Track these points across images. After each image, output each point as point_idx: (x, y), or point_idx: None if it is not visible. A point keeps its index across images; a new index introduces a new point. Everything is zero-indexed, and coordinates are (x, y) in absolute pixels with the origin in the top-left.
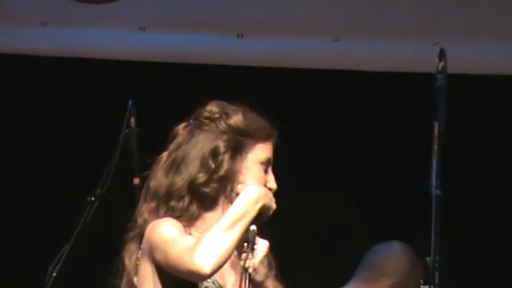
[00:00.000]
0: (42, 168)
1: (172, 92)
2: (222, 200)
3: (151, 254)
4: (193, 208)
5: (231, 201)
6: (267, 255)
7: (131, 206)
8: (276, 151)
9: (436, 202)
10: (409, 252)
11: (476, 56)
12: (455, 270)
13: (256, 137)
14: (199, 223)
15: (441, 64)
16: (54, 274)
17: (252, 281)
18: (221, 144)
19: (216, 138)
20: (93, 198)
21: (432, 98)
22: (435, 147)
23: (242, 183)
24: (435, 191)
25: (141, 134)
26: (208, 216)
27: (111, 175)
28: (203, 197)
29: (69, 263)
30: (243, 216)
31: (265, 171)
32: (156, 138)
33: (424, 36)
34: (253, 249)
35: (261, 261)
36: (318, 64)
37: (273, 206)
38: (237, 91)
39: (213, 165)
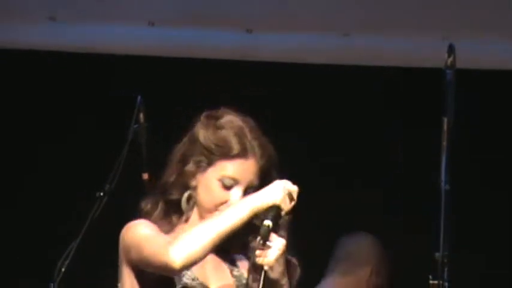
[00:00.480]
0: (49, 164)
1: (181, 88)
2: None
3: (126, 256)
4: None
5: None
6: (283, 254)
7: (140, 201)
8: (285, 149)
9: (446, 197)
10: (377, 241)
11: (486, 51)
12: (461, 265)
13: (219, 154)
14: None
15: (450, 59)
16: (63, 270)
17: (266, 278)
18: (188, 153)
19: (189, 146)
20: (102, 194)
21: (441, 93)
22: (444, 142)
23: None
24: (444, 186)
25: (150, 129)
26: (180, 225)
27: (120, 170)
28: (170, 202)
29: (78, 259)
30: (228, 217)
31: (227, 188)
32: (164, 134)
33: (433, 31)
34: (265, 245)
35: (277, 259)
36: (327, 59)
37: (286, 206)
38: (245, 86)
39: (178, 172)
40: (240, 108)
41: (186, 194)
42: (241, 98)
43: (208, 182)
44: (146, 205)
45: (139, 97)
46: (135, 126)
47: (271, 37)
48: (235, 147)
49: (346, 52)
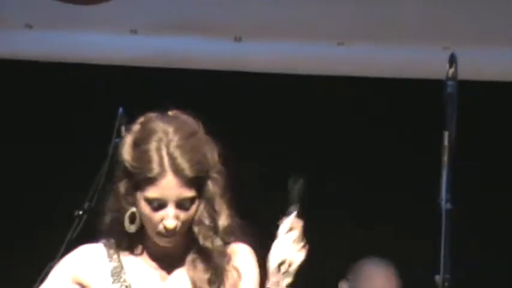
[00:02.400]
0: (24, 179)
1: (165, 99)
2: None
3: None
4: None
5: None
6: None
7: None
8: (277, 157)
9: (447, 216)
10: (390, 266)
11: (488, 61)
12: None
13: (140, 177)
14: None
15: (451, 70)
16: None
17: None
18: (117, 174)
19: (117, 164)
20: (81, 212)
21: (442, 106)
22: (445, 157)
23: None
24: (446, 205)
25: None
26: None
27: (100, 187)
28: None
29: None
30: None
31: (157, 209)
32: None
33: (433, 40)
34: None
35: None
36: (320, 70)
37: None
38: (234, 97)
39: (113, 194)
40: (227, 118)
41: (128, 212)
42: (226, 109)
43: (140, 204)
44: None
45: (120, 109)
46: (117, 140)
47: (261, 46)
48: (154, 169)
49: (341, 62)
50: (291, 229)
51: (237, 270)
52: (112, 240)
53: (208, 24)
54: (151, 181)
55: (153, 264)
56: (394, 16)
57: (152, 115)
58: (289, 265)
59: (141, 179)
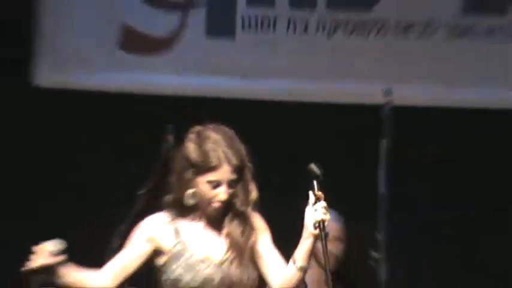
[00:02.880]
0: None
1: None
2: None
3: None
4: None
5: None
6: None
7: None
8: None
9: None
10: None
11: (420, 95)
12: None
13: (204, 167)
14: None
15: (388, 98)
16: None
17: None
18: (182, 167)
19: (182, 160)
20: (142, 192)
21: (379, 130)
22: (383, 160)
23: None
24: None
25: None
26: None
27: (155, 176)
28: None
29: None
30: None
31: (214, 188)
32: None
33: (376, 78)
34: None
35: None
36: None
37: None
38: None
39: (178, 178)
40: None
41: (190, 191)
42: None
43: (200, 186)
44: (165, 200)
45: (169, 126)
46: (166, 145)
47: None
48: (213, 161)
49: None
50: (317, 199)
51: (257, 228)
52: (173, 211)
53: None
54: (212, 169)
55: (202, 225)
56: (348, 60)
57: (200, 127)
58: (322, 223)
59: (204, 168)
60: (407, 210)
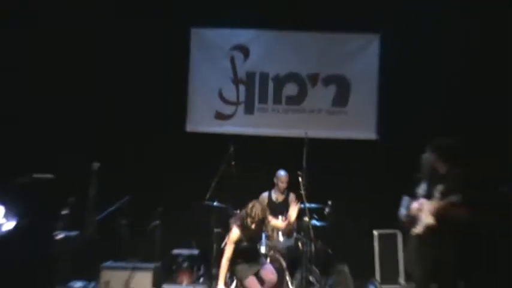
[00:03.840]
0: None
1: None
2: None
3: None
4: None
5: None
6: None
7: None
8: None
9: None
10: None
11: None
12: None
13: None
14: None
15: (306, 138)
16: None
17: None
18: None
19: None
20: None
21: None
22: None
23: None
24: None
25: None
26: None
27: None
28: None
29: None
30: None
31: None
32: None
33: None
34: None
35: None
36: None
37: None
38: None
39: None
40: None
41: None
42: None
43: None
44: None
45: (232, 147)
46: (228, 160)
47: None
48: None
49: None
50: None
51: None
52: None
53: None
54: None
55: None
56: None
57: None
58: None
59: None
60: None
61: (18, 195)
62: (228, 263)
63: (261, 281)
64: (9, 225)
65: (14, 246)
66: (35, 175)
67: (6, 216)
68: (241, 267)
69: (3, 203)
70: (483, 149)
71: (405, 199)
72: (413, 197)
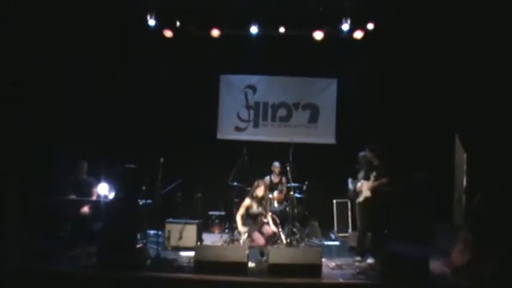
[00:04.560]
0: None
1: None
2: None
3: None
4: None
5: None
6: None
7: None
8: None
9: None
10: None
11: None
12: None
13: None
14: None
15: (291, 149)
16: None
17: None
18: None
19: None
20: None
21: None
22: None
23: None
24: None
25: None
26: None
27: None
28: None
29: None
30: None
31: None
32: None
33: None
34: None
35: None
36: None
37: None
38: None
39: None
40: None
41: None
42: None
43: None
44: None
45: (245, 148)
46: (242, 158)
47: None
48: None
49: None
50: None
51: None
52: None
53: None
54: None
55: None
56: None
57: None
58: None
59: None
60: None
61: (116, 178)
62: (240, 218)
63: (262, 234)
64: (112, 195)
65: (116, 208)
66: (127, 165)
67: (110, 190)
68: (250, 226)
69: (108, 182)
70: (398, 150)
71: (350, 180)
72: (356, 179)
